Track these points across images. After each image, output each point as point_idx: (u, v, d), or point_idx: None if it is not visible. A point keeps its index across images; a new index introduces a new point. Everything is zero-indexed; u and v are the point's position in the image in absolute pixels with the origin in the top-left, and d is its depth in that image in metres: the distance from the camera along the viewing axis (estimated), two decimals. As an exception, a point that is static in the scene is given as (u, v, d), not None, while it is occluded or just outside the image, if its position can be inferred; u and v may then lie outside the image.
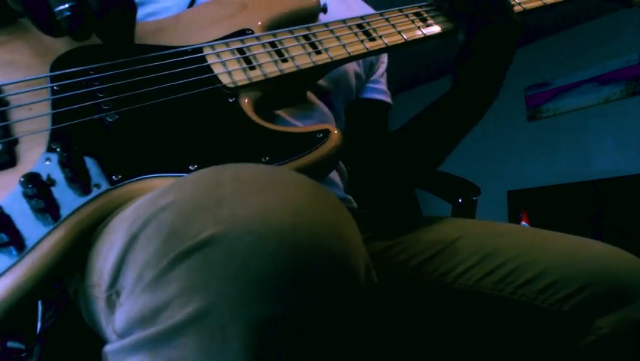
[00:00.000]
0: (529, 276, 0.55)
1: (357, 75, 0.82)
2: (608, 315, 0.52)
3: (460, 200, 1.04)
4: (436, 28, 0.69)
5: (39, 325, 0.58)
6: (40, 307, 0.59)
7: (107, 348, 0.33)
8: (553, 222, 3.01)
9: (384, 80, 0.92)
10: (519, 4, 0.73)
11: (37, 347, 0.57)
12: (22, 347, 0.57)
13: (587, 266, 0.54)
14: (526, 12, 0.73)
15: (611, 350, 0.52)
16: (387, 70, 0.93)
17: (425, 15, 0.70)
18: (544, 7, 0.75)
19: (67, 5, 0.45)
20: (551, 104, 3.62)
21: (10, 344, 0.57)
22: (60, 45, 0.54)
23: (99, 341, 0.42)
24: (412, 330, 0.61)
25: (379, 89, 0.89)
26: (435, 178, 1.13)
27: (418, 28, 0.68)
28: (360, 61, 0.83)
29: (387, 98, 0.90)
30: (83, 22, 0.46)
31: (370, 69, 0.88)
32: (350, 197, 0.80)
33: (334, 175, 0.76)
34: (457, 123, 0.77)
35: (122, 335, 0.31)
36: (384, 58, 0.92)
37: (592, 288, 0.53)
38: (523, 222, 2.89)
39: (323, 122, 0.71)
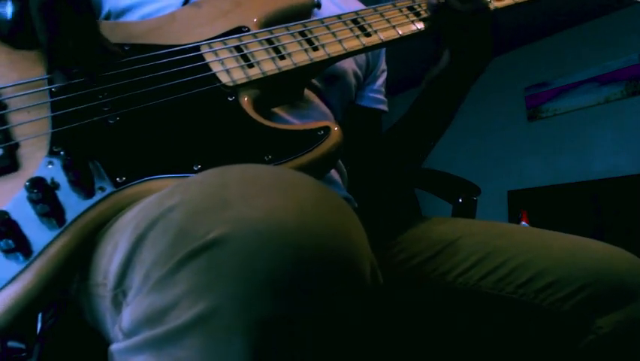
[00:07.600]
0: (529, 275, 0.56)
1: (356, 75, 0.83)
2: (608, 314, 0.52)
3: (460, 200, 1.04)
4: (429, 23, 0.69)
5: (39, 325, 0.58)
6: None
7: (113, 347, 0.33)
8: (553, 223, 3.00)
9: (384, 89, 0.94)
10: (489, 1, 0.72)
11: (37, 346, 0.56)
12: (23, 346, 0.57)
13: (588, 266, 0.54)
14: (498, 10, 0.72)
15: (612, 350, 0.52)
16: (387, 70, 0.95)
17: (418, 9, 0.70)
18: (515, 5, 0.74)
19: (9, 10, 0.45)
20: (551, 104, 3.61)
21: (10, 343, 0.57)
22: None
23: (99, 341, 0.42)
24: (412, 330, 0.61)
25: (380, 100, 0.91)
26: (435, 178, 1.13)
27: (412, 22, 0.68)
28: (360, 62, 0.83)
29: (386, 107, 0.93)
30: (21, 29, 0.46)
31: (369, 72, 0.88)
32: (351, 197, 0.80)
33: (335, 174, 0.76)
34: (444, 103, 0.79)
35: (128, 335, 0.31)
36: (384, 65, 0.93)
37: (592, 287, 0.53)
38: (523, 222, 2.88)
39: (321, 120, 0.71)
